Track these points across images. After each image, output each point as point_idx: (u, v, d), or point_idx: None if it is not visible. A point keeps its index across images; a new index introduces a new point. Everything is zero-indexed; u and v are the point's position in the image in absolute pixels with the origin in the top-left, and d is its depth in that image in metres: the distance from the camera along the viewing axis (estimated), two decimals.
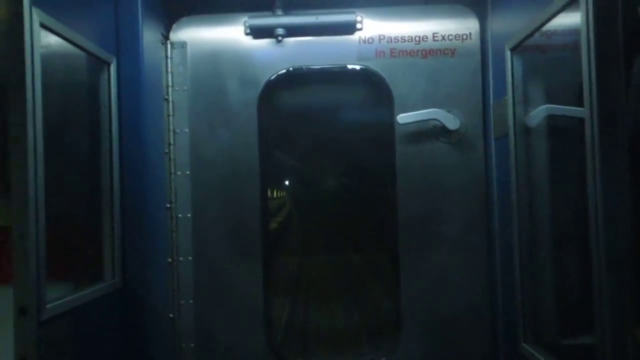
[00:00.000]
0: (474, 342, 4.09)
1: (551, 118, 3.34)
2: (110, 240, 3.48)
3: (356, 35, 4.21)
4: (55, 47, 2.95)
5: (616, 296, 2.21)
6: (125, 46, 3.63)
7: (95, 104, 3.52)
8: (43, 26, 2.69)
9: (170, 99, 4.19)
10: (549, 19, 2.83)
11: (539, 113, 3.39)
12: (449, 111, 4.09)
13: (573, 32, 2.53)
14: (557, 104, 3.34)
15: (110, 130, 3.51)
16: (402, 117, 4.08)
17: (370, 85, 4.33)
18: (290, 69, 4.27)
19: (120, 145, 3.56)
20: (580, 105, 2.41)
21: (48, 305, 2.63)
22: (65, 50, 3.06)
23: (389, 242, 4.29)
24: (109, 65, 3.50)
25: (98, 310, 3.25)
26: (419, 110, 4.09)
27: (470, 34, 4.14)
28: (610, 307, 2.20)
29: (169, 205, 4.15)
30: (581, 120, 2.40)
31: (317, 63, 4.30)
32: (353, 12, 4.18)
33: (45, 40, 2.76)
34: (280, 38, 4.19)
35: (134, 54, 3.64)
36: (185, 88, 4.21)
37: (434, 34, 4.16)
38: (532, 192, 3.37)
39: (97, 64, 3.46)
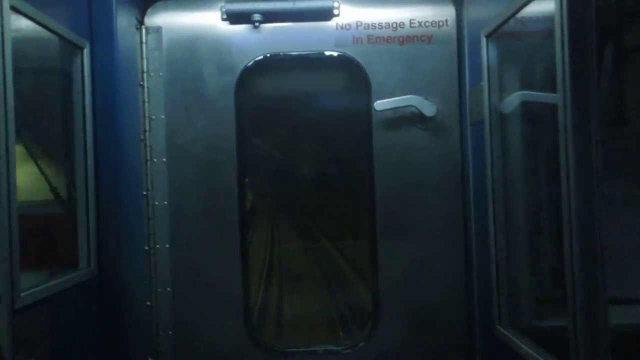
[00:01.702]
0: (450, 326, 4.14)
1: (525, 104, 3.38)
2: (85, 227, 3.44)
3: (333, 22, 4.20)
4: (27, 32, 2.88)
5: (588, 278, 2.26)
6: (99, 31, 3.56)
7: (68, 89, 3.46)
8: (13, 9, 2.63)
9: (146, 85, 4.13)
10: (524, 5, 2.85)
11: (513, 99, 3.43)
12: (425, 98, 4.11)
13: (547, 18, 2.56)
14: (531, 90, 3.38)
15: (84, 117, 3.46)
16: (379, 104, 4.09)
17: (347, 72, 4.32)
18: (268, 55, 4.25)
19: (94, 132, 3.51)
20: (554, 91, 2.45)
21: (22, 294, 2.60)
22: (37, 35, 3.00)
23: (366, 228, 4.31)
24: (82, 50, 3.44)
25: (74, 298, 3.22)
26: (396, 96, 4.10)
27: (446, 20, 4.16)
28: (583, 289, 2.25)
29: (145, 193, 4.11)
30: (554, 106, 2.44)
31: (294, 49, 4.27)
32: None
33: (16, 24, 2.70)
34: (257, 24, 4.16)
35: (108, 39, 3.58)
36: (161, 74, 4.16)
37: (410, 20, 4.16)
38: (506, 178, 3.41)
39: (70, 49, 3.40)
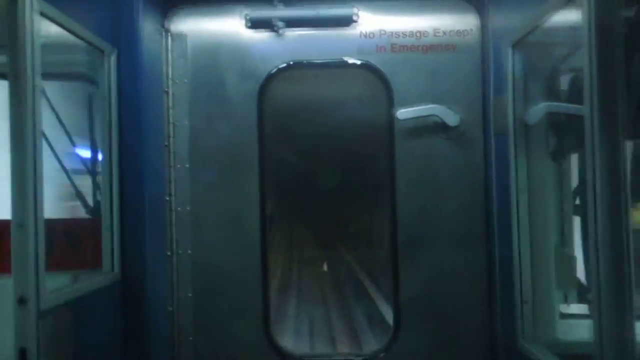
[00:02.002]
0: (472, 339, 4.08)
1: (551, 115, 3.34)
2: (109, 232, 3.48)
3: (357, 30, 4.20)
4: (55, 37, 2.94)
5: (615, 293, 2.21)
6: (125, 37, 3.61)
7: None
8: (43, 14, 2.68)
9: (170, 91, 4.17)
10: (551, 15, 2.82)
11: (538, 110, 3.39)
12: (448, 107, 4.08)
13: (574, 28, 2.53)
14: (557, 101, 3.34)
15: (110, 122, 3.50)
16: (402, 113, 4.07)
17: (370, 80, 4.32)
18: (291, 62, 4.26)
19: (119, 138, 3.55)
20: (580, 102, 2.41)
21: (47, 296, 2.63)
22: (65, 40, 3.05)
23: (388, 237, 4.29)
24: (108, 56, 3.49)
25: (97, 301, 3.25)
26: (419, 105, 4.08)
27: (471, 29, 4.13)
28: (609, 304, 2.21)
29: (167, 198, 4.15)
30: (580, 118, 2.40)
31: (317, 57, 4.28)
32: (350, 5, 4.17)
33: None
34: (279, 30, 4.18)
35: (134, 45, 3.62)
36: (186, 80, 4.19)
37: (434, 29, 4.15)
38: (531, 188, 3.37)
39: (97, 55, 3.45)
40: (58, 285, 2.85)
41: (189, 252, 4.18)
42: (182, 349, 4.15)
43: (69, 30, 3.01)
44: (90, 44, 3.28)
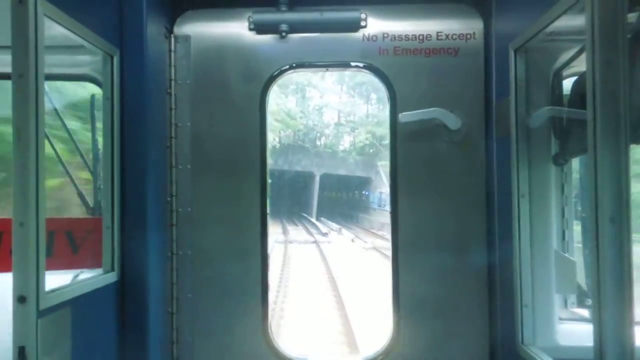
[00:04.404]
0: (472, 343, 4.08)
1: (553, 119, 3.34)
2: (109, 232, 3.48)
3: (360, 33, 4.21)
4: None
5: (615, 298, 2.20)
6: (129, 39, 3.62)
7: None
8: (47, 16, 2.69)
9: (173, 93, 4.19)
10: (554, 20, 2.82)
11: (541, 114, 3.39)
12: (451, 110, 4.09)
13: (578, 32, 2.53)
14: (560, 105, 3.33)
15: (112, 122, 3.51)
16: (404, 116, 4.07)
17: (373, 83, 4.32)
18: (294, 65, 4.27)
19: (121, 137, 3.56)
20: (584, 107, 2.41)
21: (47, 295, 2.63)
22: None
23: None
24: (112, 57, 3.50)
25: (97, 301, 3.25)
26: (422, 108, 4.08)
27: (474, 33, 4.14)
28: (609, 308, 2.20)
29: (169, 199, 4.15)
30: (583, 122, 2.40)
31: (320, 60, 4.29)
32: (358, 10, 4.18)
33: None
34: (284, 34, 4.19)
35: (138, 46, 3.63)
36: (188, 82, 4.21)
37: (437, 32, 4.15)
38: (533, 193, 3.36)
39: (101, 56, 3.46)
40: (58, 284, 2.84)
41: (189, 253, 4.18)
42: (181, 350, 4.15)
43: (74, 32, 3.02)
44: (94, 45, 3.29)
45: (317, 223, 37.75)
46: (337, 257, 20.86)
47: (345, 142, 47.86)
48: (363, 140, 46.57)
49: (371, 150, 44.93)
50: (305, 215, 39.59)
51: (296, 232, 32.47)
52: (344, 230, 34.21)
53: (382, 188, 38.64)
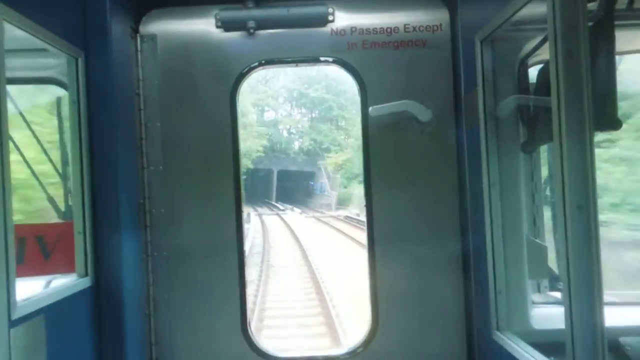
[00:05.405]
0: (448, 331, 4.13)
1: (520, 108, 3.38)
2: (81, 236, 3.43)
3: (328, 28, 4.21)
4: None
5: (584, 280, 2.26)
6: (94, 40, 3.56)
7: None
8: (7, 21, 2.63)
9: (141, 93, 4.13)
10: (518, 10, 2.86)
11: (508, 103, 3.43)
12: (421, 102, 4.11)
13: (542, 22, 2.57)
14: (527, 94, 3.38)
15: (80, 125, 3.45)
16: (374, 109, 4.09)
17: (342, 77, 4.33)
18: (263, 61, 4.25)
19: (90, 140, 3.51)
20: (549, 95, 2.45)
21: (19, 304, 2.59)
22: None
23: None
24: (77, 59, 3.44)
25: (71, 307, 3.21)
26: (392, 101, 4.10)
27: (440, 24, 4.17)
28: (579, 291, 2.25)
29: (142, 201, 4.11)
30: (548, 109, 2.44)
31: (289, 56, 4.28)
32: (325, 4, 4.17)
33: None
34: (251, 31, 4.17)
35: (103, 48, 3.58)
36: (157, 82, 4.16)
37: (405, 25, 4.17)
38: (502, 181, 3.41)
39: (65, 59, 3.40)
40: (30, 292, 2.80)
41: (165, 253, 4.15)
42: (160, 351, 4.12)
43: (35, 36, 2.96)
44: (58, 48, 3.23)
45: (277, 204, 53.38)
46: (291, 221, 36.05)
47: (295, 146, 65.73)
48: (307, 145, 63.75)
49: (314, 152, 61.32)
50: (267, 200, 56.32)
51: (263, 209, 49.18)
52: (295, 208, 49.08)
53: (322, 179, 55.13)
